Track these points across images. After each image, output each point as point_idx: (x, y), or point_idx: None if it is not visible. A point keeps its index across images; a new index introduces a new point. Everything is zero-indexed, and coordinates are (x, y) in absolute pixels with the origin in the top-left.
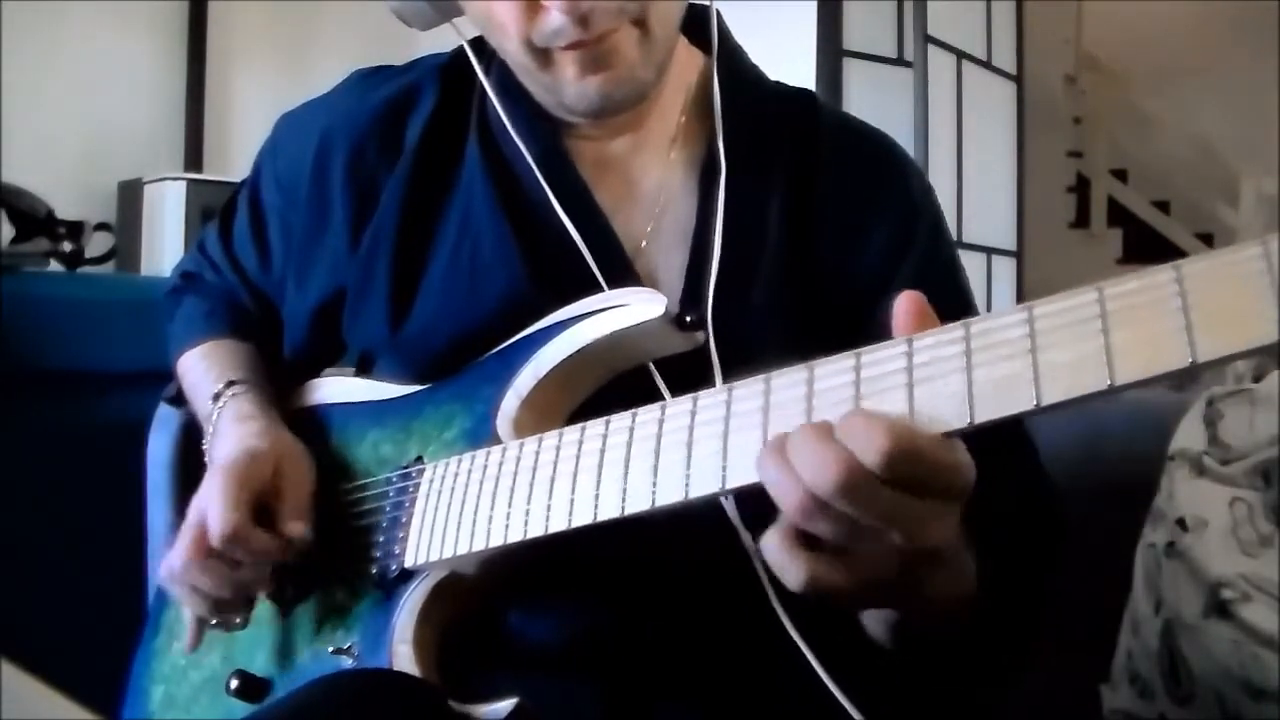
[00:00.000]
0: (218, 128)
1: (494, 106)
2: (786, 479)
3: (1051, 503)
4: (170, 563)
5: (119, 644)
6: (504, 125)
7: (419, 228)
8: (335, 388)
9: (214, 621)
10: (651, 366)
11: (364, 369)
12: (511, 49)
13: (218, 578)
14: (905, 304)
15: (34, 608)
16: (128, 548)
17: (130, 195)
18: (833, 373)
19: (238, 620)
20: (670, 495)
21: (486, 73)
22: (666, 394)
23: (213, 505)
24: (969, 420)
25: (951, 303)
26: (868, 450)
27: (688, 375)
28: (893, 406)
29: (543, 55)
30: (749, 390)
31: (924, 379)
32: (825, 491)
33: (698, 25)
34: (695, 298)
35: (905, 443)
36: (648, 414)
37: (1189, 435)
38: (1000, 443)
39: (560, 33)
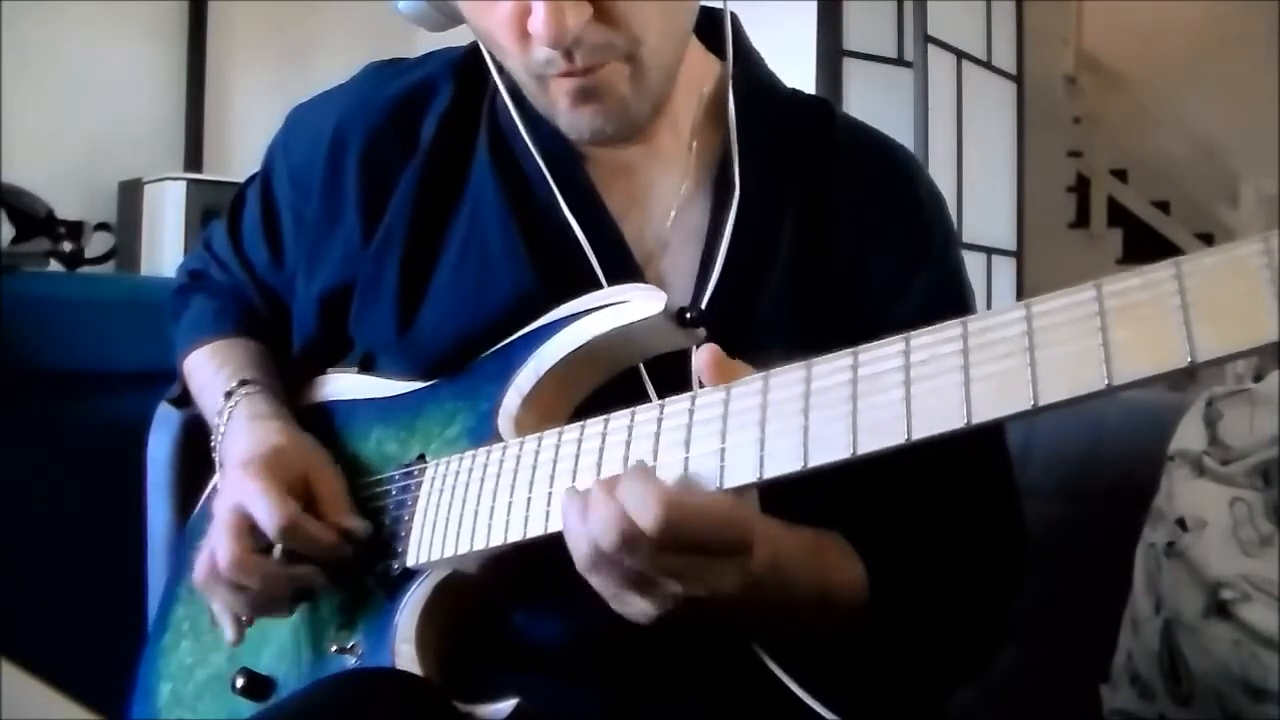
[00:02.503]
0: (218, 128)
1: (505, 105)
2: (579, 530)
3: (1010, 518)
4: (212, 562)
5: (119, 644)
6: (515, 124)
7: (430, 227)
8: (340, 384)
9: (247, 619)
10: (641, 368)
11: (367, 366)
12: (511, 69)
13: (267, 572)
14: (704, 356)
15: (34, 608)
16: (128, 548)
17: (130, 195)
18: (830, 371)
19: (285, 611)
20: None
21: (500, 71)
22: (653, 395)
23: (257, 499)
24: (966, 421)
25: (960, 313)
26: (644, 516)
27: (684, 376)
28: (889, 405)
29: (539, 80)
30: (748, 389)
31: (921, 377)
32: (608, 547)
33: (713, 29)
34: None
35: (676, 510)
36: (646, 413)
37: (1189, 435)
38: (966, 455)
39: (551, 62)
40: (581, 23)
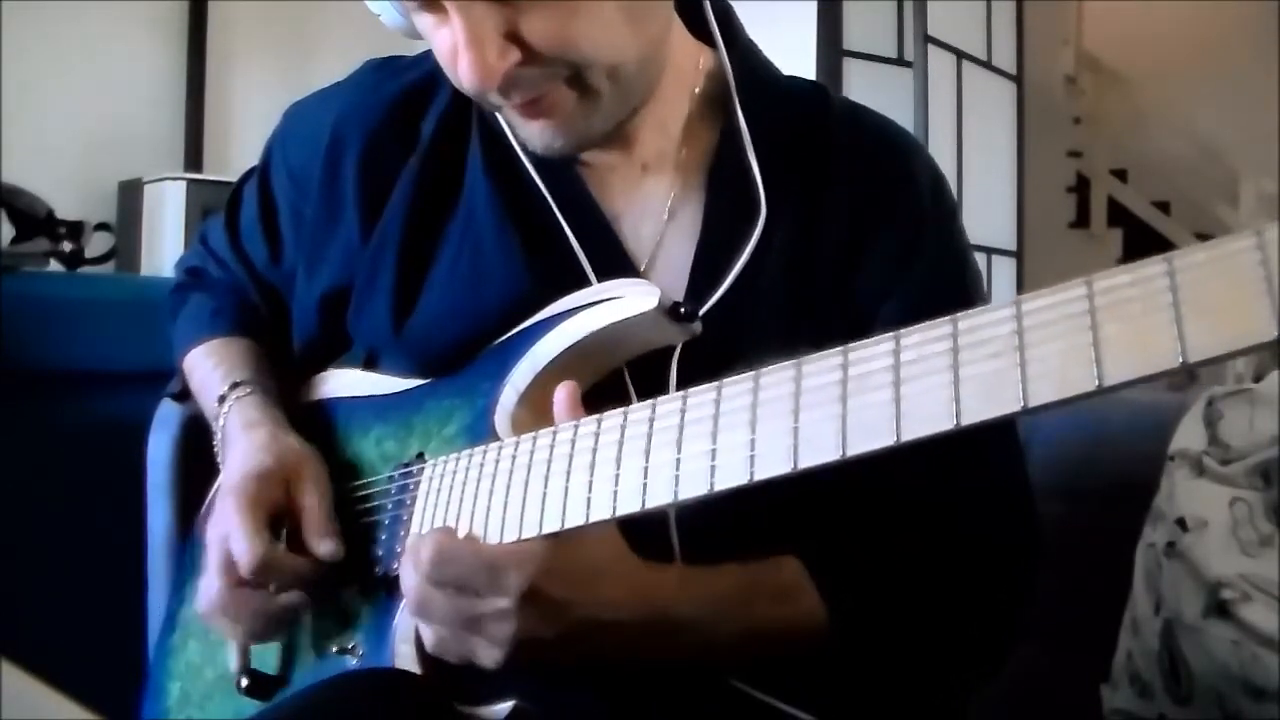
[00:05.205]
0: (218, 128)
1: None
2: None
3: (1022, 517)
4: (207, 597)
5: (119, 644)
6: (504, 127)
7: (427, 226)
8: (341, 381)
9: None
10: (624, 367)
11: (370, 364)
12: None
13: (255, 605)
14: (561, 394)
15: (34, 608)
16: (128, 548)
17: (130, 195)
18: (820, 370)
19: (281, 636)
20: (660, 496)
21: None
22: (633, 393)
23: (234, 536)
24: (955, 422)
25: (959, 306)
26: (421, 562)
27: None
28: (878, 405)
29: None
30: (738, 388)
31: (911, 377)
32: (410, 607)
33: (703, 18)
34: (699, 295)
35: (443, 548)
36: (638, 412)
37: (1189, 435)
38: (975, 451)
39: (488, 97)
40: (508, 65)
